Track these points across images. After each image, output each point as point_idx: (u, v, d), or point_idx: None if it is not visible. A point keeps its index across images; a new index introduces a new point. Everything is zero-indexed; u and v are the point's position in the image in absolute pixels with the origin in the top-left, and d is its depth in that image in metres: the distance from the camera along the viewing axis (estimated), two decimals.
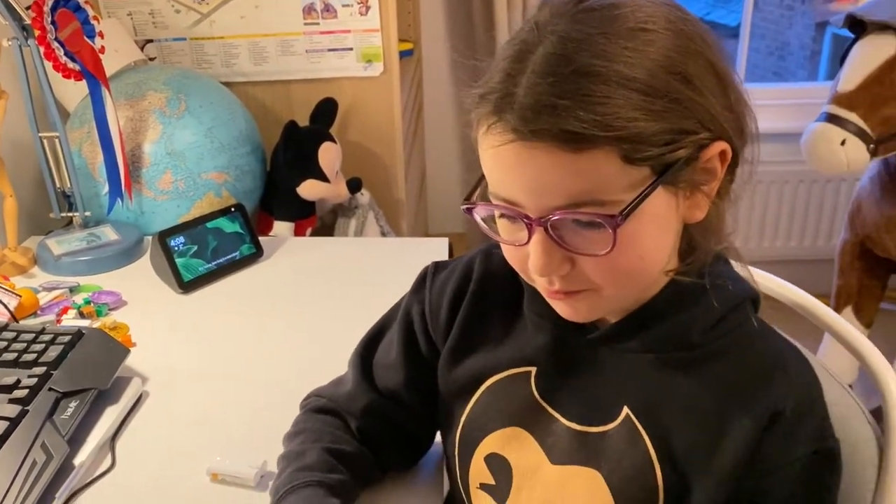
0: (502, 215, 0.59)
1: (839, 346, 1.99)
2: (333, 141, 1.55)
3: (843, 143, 1.67)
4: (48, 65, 1.18)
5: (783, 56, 6.27)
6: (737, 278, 0.65)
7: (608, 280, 0.58)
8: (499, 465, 0.70)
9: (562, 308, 0.63)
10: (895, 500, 0.68)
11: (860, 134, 1.66)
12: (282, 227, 1.55)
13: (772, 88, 2.73)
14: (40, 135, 1.25)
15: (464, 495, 0.74)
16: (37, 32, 1.13)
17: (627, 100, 0.51)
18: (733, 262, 0.67)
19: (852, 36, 1.78)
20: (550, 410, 0.68)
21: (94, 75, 1.22)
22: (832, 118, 1.69)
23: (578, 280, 0.58)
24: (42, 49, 1.15)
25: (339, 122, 1.64)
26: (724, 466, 0.60)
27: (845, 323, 0.79)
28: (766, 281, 0.86)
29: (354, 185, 1.60)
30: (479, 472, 0.72)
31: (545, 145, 0.52)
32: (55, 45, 1.15)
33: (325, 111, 1.58)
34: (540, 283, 0.61)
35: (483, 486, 0.71)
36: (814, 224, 2.63)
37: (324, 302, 1.18)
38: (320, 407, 0.79)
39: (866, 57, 1.68)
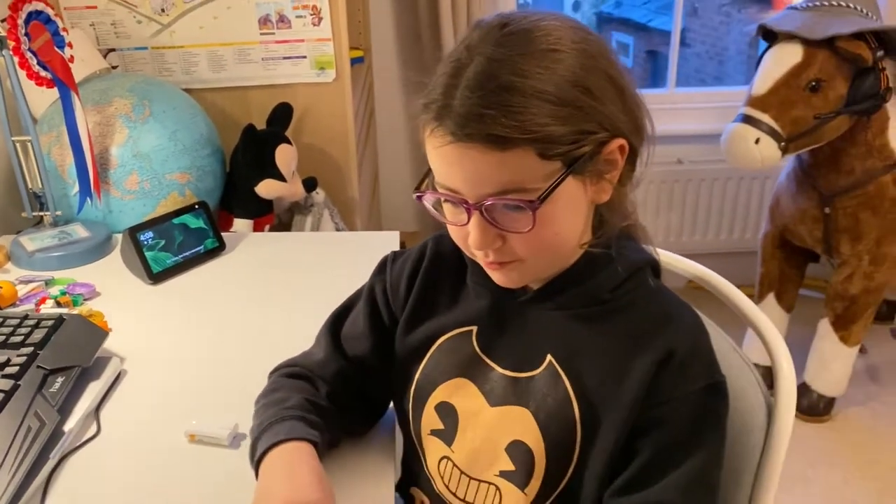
0: (447, 201, 0.72)
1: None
2: (289, 143, 1.66)
3: (757, 141, 1.84)
4: (22, 73, 1.26)
5: (722, 61, 6.56)
6: (638, 249, 0.79)
7: (532, 252, 0.72)
8: (446, 411, 0.83)
9: (497, 277, 0.77)
10: (779, 460, 0.81)
11: (772, 133, 1.83)
12: (241, 225, 1.64)
13: (710, 92, 2.91)
14: (13, 139, 1.34)
15: (417, 443, 0.86)
16: (11, 44, 1.21)
17: (540, 108, 0.65)
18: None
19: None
20: (488, 361, 0.81)
21: (64, 83, 1.31)
22: (747, 119, 1.86)
23: (508, 253, 0.72)
24: (17, 59, 1.23)
25: (294, 125, 1.74)
26: (628, 399, 0.73)
27: (743, 298, 0.93)
28: (678, 263, 0.99)
29: (310, 184, 1.71)
30: (430, 419, 0.84)
31: (477, 145, 0.66)
32: (28, 55, 1.24)
33: (281, 115, 1.69)
34: (479, 256, 0.75)
35: (433, 432, 0.84)
36: (742, 218, 2.82)
37: (283, 290, 1.28)
38: (293, 373, 0.90)
39: (776, 63, 1.85)
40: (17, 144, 1.35)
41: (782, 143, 1.84)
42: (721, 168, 2.69)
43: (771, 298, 2.30)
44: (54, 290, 1.23)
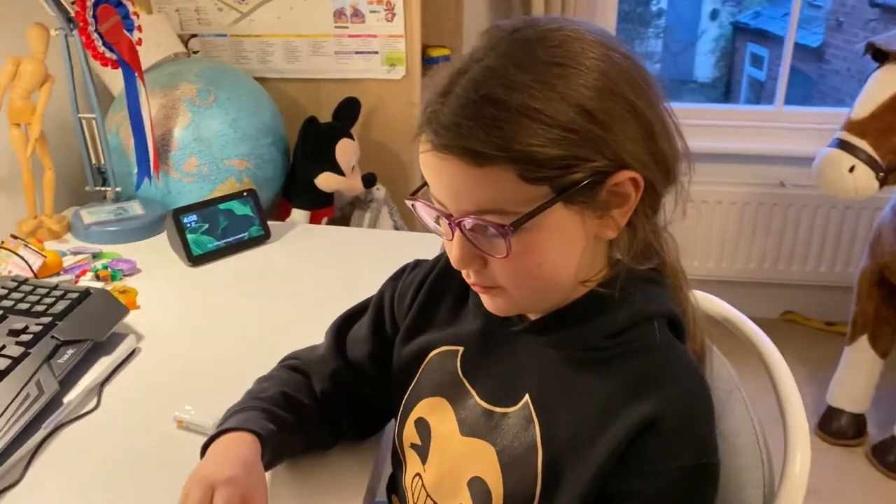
0: (433, 210, 0.67)
1: (854, 375, 2.00)
2: (351, 138, 1.66)
3: (851, 169, 1.69)
4: (88, 53, 1.32)
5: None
6: (657, 297, 0.71)
7: (511, 282, 0.67)
8: (424, 428, 0.79)
9: (484, 301, 0.72)
10: None
11: (869, 162, 1.68)
12: (298, 215, 1.66)
13: (823, 112, 2.67)
14: (80, 116, 1.40)
15: (401, 454, 0.83)
16: (79, 24, 1.27)
17: (524, 126, 0.59)
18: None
19: None
20: (468, 386, 0.77)
21: (129, 65, 1.35)
22: (843, 144, 1.71)
23: (489, 278, 0.67)
24: (83, 39, 1.28)
25: (362, 120, 1.74)
26: (597, 459, 0.65)
27: (762, 335, 0.84)
28: (709, 303, 0.90)
29: (369, 180, 1.71)
30: (410, 433, 0.81)
31: (453, 158, 0.61)
32: (95, 36, 1.29)
33: (348, 109, 1.69)
34: (463, 275, 0.70)
35: (413, 446, 0.81)
36: (844, 250, 2.62)
37: (320, 284, 1.28)
38: (292, 365, 0.89)
39: (882, 85, 1.69)
40: (83, 121, 1.41)
41: (881, 174, 1.68)
42: (826, 195, 2.50)
43: (864, 341, 2.11)
44: (97, 264, 1.27)
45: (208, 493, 0.67)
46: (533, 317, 0.73)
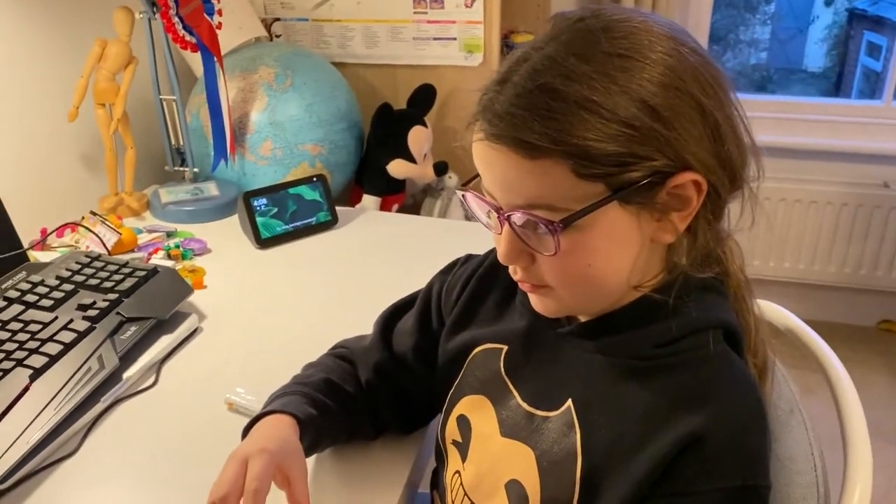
0: (484, 203, 0.65)
1: None
2: (424, 125, 1.65)
3: None
4: (169, 36, 1.35)
5: None
6: (716, 306, 0.67)
7: (559, 282, 0.64)
8: (465, 426, 0.78)
9: (532, 300, 0.70)
10: None
11: None
12: (369, 201, 1.67)
13: None
14: (161, 97, 1.44)
15: (443, 450, 0.82)
16: (161, 7, 1.30)
17: (582, 120, 0.57)
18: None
19: None
20: (511, 387, 0.75)
21: (208, 49, 1.38)
22: None
23: (537, 276, 0.65)
24: (164, 23, 1.32)
25: (438, 107, 1.73)
26: (638, 473, 0.62)
27: (826, 349, 0.78)
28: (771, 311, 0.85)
29: (440, 169, 1.69)
30: (452, 430, 0.80)
31: (505, 148, 0.59)
32: (175, 19, 1.32)
33: (423, 96, 1.68)
34: (510, 271, 0.68)
35: (454, 443, 0.80)
36: None
37: (384, 271, 1.28)
38: (339, 354, 0.89)
39: None
40: (164, 103, 1.45)
41: None
42: None
43: None
44: (170, 242, 1.31)
45: (243, 465, 0.67)
46: (582, 319, 0.71)
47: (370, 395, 0.85)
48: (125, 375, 0.96)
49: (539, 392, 0.72)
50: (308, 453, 0.76)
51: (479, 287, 0.81)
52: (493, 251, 0.82)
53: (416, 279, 0.92)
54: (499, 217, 0.63)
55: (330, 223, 1.42)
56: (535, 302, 0.69)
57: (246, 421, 0.90)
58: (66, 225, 1.30)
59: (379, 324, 0.89)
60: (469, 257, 0.86)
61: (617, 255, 0.62)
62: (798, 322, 0.83)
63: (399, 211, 1.72)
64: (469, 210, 0.69)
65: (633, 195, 0.59)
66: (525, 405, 0.72)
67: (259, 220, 1.34)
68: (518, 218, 0.61)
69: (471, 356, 0.80)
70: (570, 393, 0.69)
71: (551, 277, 0.64)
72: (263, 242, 1.34)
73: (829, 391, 0.76)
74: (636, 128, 0.57)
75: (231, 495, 0.65)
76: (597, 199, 0.58)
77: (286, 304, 1.18)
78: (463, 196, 0.68)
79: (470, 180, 0.70)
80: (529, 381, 0.73)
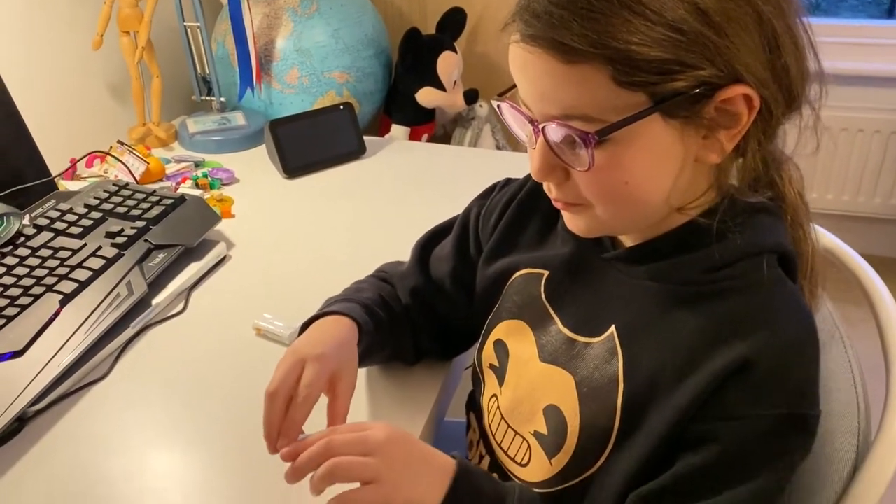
0: (518, 112, 0.62)
1: None
2: (454, 51, 1.60)
3: None
4: None
5: None
6: (767, 230, 0.64)
7: (595, 198, 0.61)
8: (502, 350, 0.77)
9: (566, 219, 0.67)
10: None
11: None
12: (398, 131, 1.64)
13: None
14: (185, 24, 1.41)
15: (480, 373, 0.81)
16: None
17: (625, 21, 0.52)
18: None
19: None
20: (552, 313, 0.73)
21: None
22: None
23: (572, 193, 0.62)
24: None
25: (468, 32, 1.68)
26: (683, 399, 0.60)
27: (870, 271, 0.75)
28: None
29: (471, 97, 1.65)
30: (489, 353, 0.79)
31: (541, 51, 0.55)
32: None
33: (452, 21, 1.63)
34: (545, 189, 0.65)
35: (491, 367, 0.79)
36: None
37: (411, 200, 1.26)
38: (380, 277, 0.89)
39: None
40: (188, 30, 1.42)
41: None
42: None
43: None
44: (198, 172, 1.31)
45: (298, 367, 0.68)
46: (628, 244, 0.68)
47: (409, 318, 0.85)
48: (154, 302, 0.97)
49: (581, 318, 0.70)
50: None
51: (518, 213, 0.79)
52: (529, 176, 0.79)
53: (446, 209, 0.90)
54: (533, 129, 0.60)
55: (358, 152, 1.40)
56: (569, 221, 0.66)
57: (272, 345, 0.91)
58: (94, 155, 1.30)
59: (416, 249, 0.88)
60: (508, 181, 0.84)
61: (656, 173, 0.59)
62: (844, 247, 0.79)
63: (429, 141, 1.69)
64: (506, 123, 0.66)
65: (677, 108, 0.55)
66: (566, 331, 0.71)
67: (286, 148, 1.33)
68: (552, 130, 0.57)
69: (510, 281, 0.78)
70: (613, 319, 0.67)
71: (588, 194, 0.60)
72: (291, 171, 1.33)
73: (872, 324, 0.73)
74: (684, 32, 0.52)
75: (280, 394, 0.66)
76: (637, 110, 0.54)
77: (314, 233, 1.17)
78: (498, 106, 0.65)
79: (506, 91, 0.66)
80: (571, 306, 0.71)
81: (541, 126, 0.58)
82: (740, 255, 0.62)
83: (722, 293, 0.62)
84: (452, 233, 0.86)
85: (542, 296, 0.74)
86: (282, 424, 0.66)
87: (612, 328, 0.66)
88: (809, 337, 0.61)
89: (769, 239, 0.63)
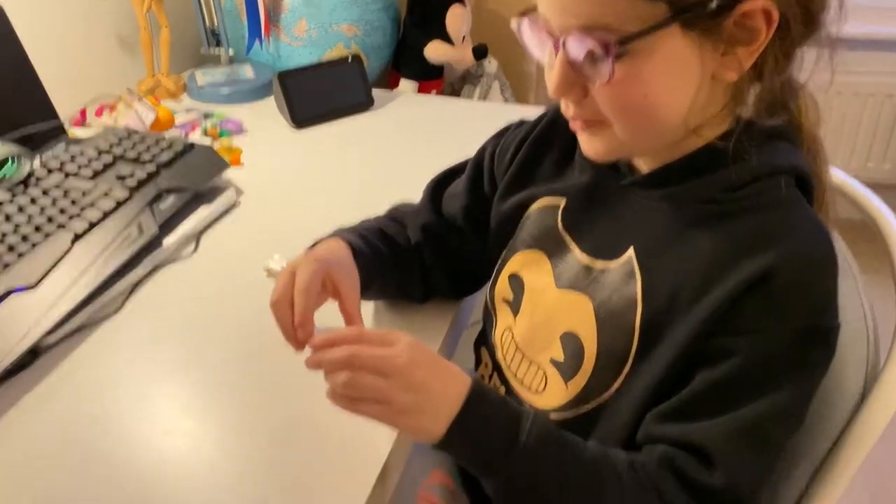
0: (537, 27, 0.62)
1: None
2: (463, 3, 1.59)
3: None
4: None
5: None
6: (784, 152, 0.64)
7: (614, 114, 0.61)
8: (517, 283, 0.77)
9: (582, 141, 0.67)
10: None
11: None
12: (406, 85, 1.63)
13: None
14: None
15: (492, 309, 0.82)
16: None
17: None
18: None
19: None
20: (568, 240, 0.73)
21: None
22: None
23: (590, 110, 0.61)
24: None
25: None
26: (700, 317, 0.61)
27: (878, 203, 0.75)
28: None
29: (480, 52, 1.64)
30: (503, 288, 0.79)
31: None
32: None
33: None
34: (562, 108, 0.65)
35: (505, 301, 0.79)
36: None
37: (418, 152, 1.26)
38: (390, 215, 0.90)
39: None
40: None
41: None
42: None
43: None
44: (207, 122, 1.31)
45: (292, 276, 0.68)
46: (645, 169, 0.68)
47: (419, 255, 0.85)
48: (165, 243, 0.97)
49: (598, 243, 0.71)
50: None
51: (534, 148, 0.79)
52: (548, 111, 0.79)
53: (455, 160, 0.91)
54: (553, 44, 0.60)
55: (366, 104, 1.40)
56: (585, 143, 0.66)
57: None
58: (103, 104, 1.30)
59: (429, 188, 0.89)
60: (522, 122, 0.84)
61: (675, 87, 0.59)
62: (845, 177, 0.79)
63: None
64: (523, 43, 0.65)
65: (697, 19, 0.55)
66: (583, 257, 0.71)
67: (295, 99, 1.32)
68: (572, 43, 0.57)
69: (526, 213, 0.78)
70: (631, 242, 0.67)
71: (608, 110, 0.60)
72: (299, 122, 1.33)
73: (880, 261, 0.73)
74: None
75: (282, 300, 0.67)
76: (658, 20, 0.55)
77: (323, 182, 1.18)
78: (518, 26, 0.65)
79: (526, 11, 0.66)
80: (588, 233, 0.72)
81: (561, 39, 0.58)
82: (758, 175, 0.62)
83: (741, 211, 0.62)
84: (466, 172, 0.87)
85: (560, 224, 0.74)
86: (294, 324, 0.66)
87: (631, 250, 0.67)
88: (828, 252, 0.61)
89: (786, 161, 0.63)
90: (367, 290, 0.78)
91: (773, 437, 0.61)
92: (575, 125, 0.65)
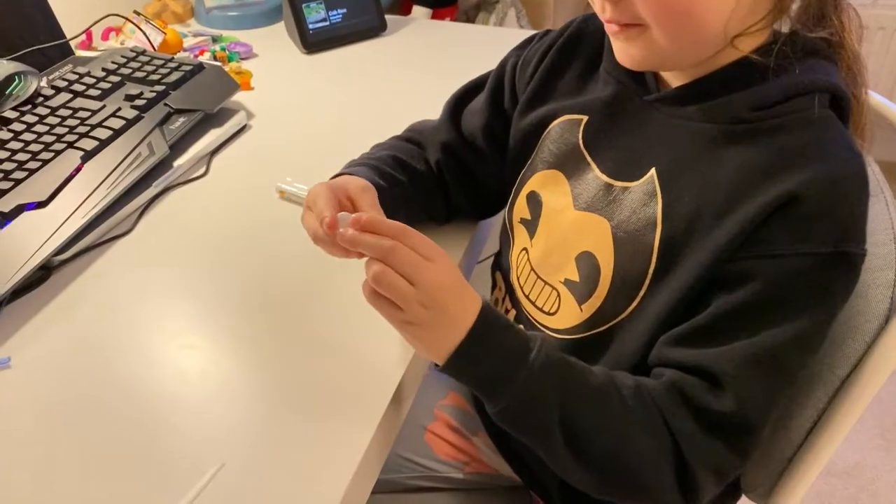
0: None
1: None
2: None
3: None
4: None
5: None
6: (821, 70, 0.61)
7: (655, 16, 0.58)
8: (535, 202, 0.75)
9: (617, 48, 0.64)
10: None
11: None
12: (419, 12, 1.59)
13: None
14: None
15: (509, 229, 0.80)
16: None
17: None
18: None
19: None
20: (589, 159, 0.71)
21: None
22: None
23: (628, 12, 0.59)
24: None
25: None
26: (722, 237, 0.59)
27: None
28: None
29: None
30: (521, 207, 0.77)
31: None
32: None
33: None
34: (598, 11, 0.62)
35: (522, 221, 0.77)
36: None
37: (433, 78, 1.22)
38: (406, 137, 0.87)
39: None
40: None
41: None
42: None
43: None
44: (216, 46, 1.27)
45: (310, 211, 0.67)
46: (674, 84, 0.65)
47: (440, 175, 0.83)
48: (176, 164, 0.95)
49: (620, 162, 0.68)
50: None
51: (558, 59, 0.76)
52: (571, 22, 0.76)
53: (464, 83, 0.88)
54: None
55: (378, 29, 1.36)
56: (620, 50, 0.63)
57: (296, 207, 0.90)
58: (110, 27, 1.27)
59: (449, 104, 0.86)
60: (547, 32, 0.80)
61: None
62: (883, 100, 0.76)
63: None
64: None
65: None
66: (603, 176, 0.69)
67: (306, 22, 1.29)
68: None
69: (547, 130, 0.75)
70: (653, 162, 0.65)
71: (645, 10, 0.57)
72: (310, 46, 1.29)
73: None
74: None
75: (309, 214, 0.66)
76: None
77: (334, 108, 1.15)
78: None
79: None
80: (610, 151, 0.69)
81: None
82: (793, 92, 0.59)
83: (771, 130, 0.60)
84: (487, 85, 0.84)
85: (580, 142, 0.71)
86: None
87: (653, 171, 0.65)
88: (859, 174, 0.58)
89: (823, 78, 0.60)
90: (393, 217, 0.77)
91: (786, 365, 0.59)
92: (611, 28, 0.62)
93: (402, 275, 0.56)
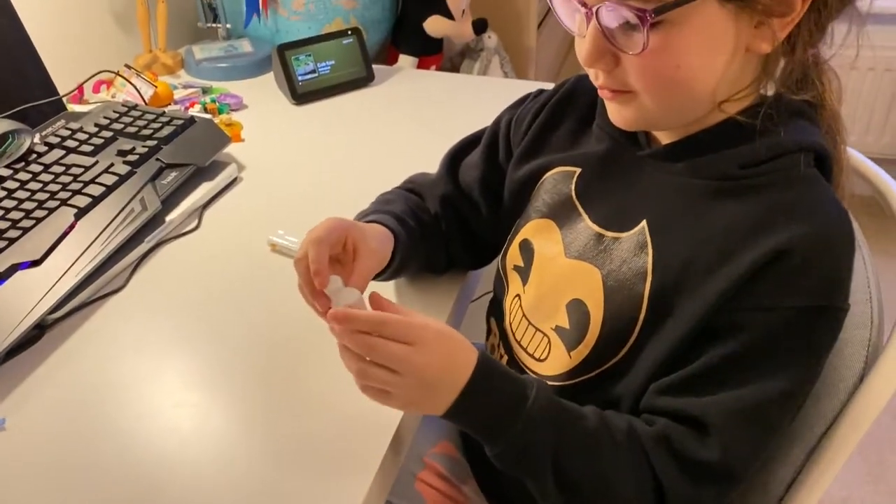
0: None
1: None
2: None
3: None
4: None
5: None
6: (807, 131, 0.63)
7: (645, 85, 0.60)
8: (527, 250, 0.77)
9: (610, 110, 0.66)
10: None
11: None
12: (406, 61, 1.62)
13: None
14: None
15: (503, 276, 0.82)
16: None
17: None
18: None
19: None
20: (580, 209, 0.73)
21: None
22: None
23: (620, 79, 0.61)
24: None
25: None
26: (713, 291, 0.60)
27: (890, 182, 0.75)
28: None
29: (480, 26, 1.63)
30: (514, 255, 0.79)
31: None
32: None
33: None
34: (591, 77, 0.65)
35: (515, 268, 0.79)
36: None
37: (422, 128, 1.25)
38: (407, 188, 0.89)
39: None
40: None
41: None
42: None
43: None
44: (206, 98, 1.30)
45: (303, 260, 0.67)
46: (664, 141, 0.68)
47: (440, 226, 0.85)
48: (168, 218, 0.97)
49: (611, 213, 0.70)
50: (392, 276, 0.79)
51: (552, 114, 0.79)
52: (566, 82, 0.79)
53: (456, 135, 0.91)
54: (585, 13, 0.59)
55: (366, 79, 1.39)
56: (614, 112, 0.66)
57: (287, 261, 0.91)
58: (101, 80, 1.29)
59: (446, 158, 0.89)
60: (541, 91, 0.84)
61: (708, 58, 0.58)
62: (860, 156, 0.79)
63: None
64: (555, 13, 0.64)
65: None
66: (595, 226, 0.71)
67: (295, 73, 1.31)
68: (606, 11, 0.57)
69: (541, 181, 0.78)
70: (645, 214, 0.67)
71: (636, 80, 0.60)
72: (300, 97, 1.32)
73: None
74: None
75: (303, 259, 0.66)
76: None
77: (324, 158, 1.17)
78: None
79: None
80: (602, 202, 0.72)
81: (594, 8, 0.57)
82: (779, 152, 0.62)
83: (758, 187, 0.62)
84: (482, 141, 0.87)
85: (573, 193, 0.74)
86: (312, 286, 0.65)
87: (644, 222, 0.67)
88: (845, 231, 0.61)
89: (808, 138, 0.63)
90: (400, 273, 0.80)
91: (772, 418, 0.61)
92: (604, 94, 0.65)
93: (386, 367, 0.58)
